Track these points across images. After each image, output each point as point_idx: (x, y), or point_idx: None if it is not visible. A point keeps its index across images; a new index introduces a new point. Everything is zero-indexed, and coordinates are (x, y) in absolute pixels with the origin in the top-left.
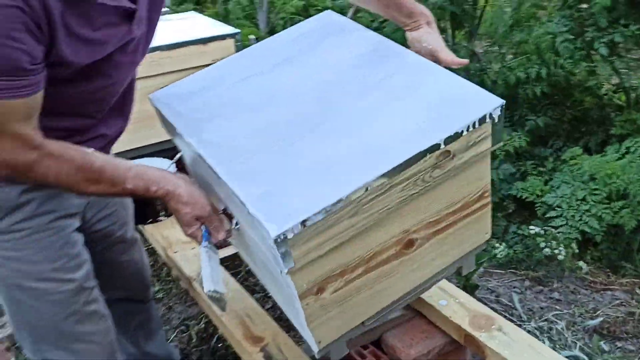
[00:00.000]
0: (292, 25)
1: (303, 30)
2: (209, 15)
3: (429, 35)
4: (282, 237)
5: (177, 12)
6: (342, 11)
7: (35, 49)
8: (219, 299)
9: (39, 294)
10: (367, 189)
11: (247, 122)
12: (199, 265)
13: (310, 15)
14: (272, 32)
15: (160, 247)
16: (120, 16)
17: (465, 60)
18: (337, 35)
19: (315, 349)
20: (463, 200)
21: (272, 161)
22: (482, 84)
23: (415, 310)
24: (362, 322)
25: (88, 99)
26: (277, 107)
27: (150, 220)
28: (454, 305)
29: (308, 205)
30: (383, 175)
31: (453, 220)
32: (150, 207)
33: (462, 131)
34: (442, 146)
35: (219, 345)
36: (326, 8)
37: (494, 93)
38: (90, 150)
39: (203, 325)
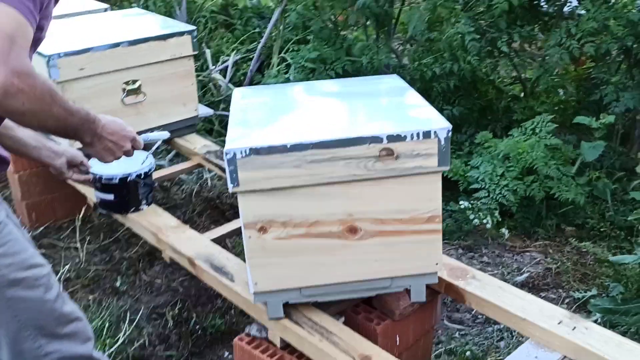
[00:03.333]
0: (213, 24)
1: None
2: None
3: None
4: (231, 154)
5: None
6: (260, 11)
7: None
8: None
9: (30, 282)
10: (310, 147)
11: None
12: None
13: (230, 14)
14: None
15: (149, 232)
16: None
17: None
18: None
19: (251, 289)
20: (412, 213)
21: (271, 122)
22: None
23: None
24: (300, 289)
25: None
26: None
27: (133, 208)
28: None
29: (262, 142)
30: (326, 142)
31: (400, 230)
32: (132, 197)
33: (406, 136)
34: (385, 141)
35: (197, 327)
36: (245, 7)
37: (412, 87)
38: None
39: (177, 311)
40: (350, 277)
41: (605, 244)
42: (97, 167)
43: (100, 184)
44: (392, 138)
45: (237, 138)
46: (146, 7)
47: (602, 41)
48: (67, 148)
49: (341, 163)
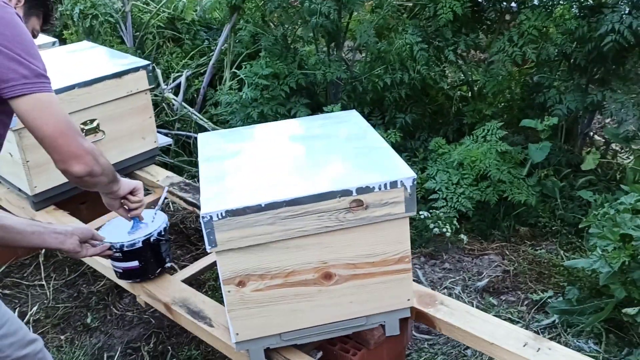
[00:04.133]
0: (160, 39)
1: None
2: (71, 35)
3: None
4: (207, 217)
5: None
6: (207, 23)
7: None
8: None
9: (30, 359)
10: (283, 205)
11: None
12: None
13: (178, 29)
14: (141, 48)
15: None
16: None
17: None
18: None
19: (233, 339)
20: (383, 255)
21: (241, 178)
22: (354, 90)
23: None
24: (280, 335)
25: None
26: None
27: (159, 270)
28: None
29: (237, 204)
30: (299, 199)
31: (373, 272)
32: (157, 258)
33: (374, 187)
34: (354, 193)
35: None
36: (193, 21)
37: (365, 98)
38: None
39: (152, 345)
40: (327, 319)
41: (557, 240)
42: (111, 238)
43: (122, 252)
44: (361, 190)
45: (212, 198)
46: (91, 27)
47: (543, 47)
48: (75, 226)
49: (314, 217)
